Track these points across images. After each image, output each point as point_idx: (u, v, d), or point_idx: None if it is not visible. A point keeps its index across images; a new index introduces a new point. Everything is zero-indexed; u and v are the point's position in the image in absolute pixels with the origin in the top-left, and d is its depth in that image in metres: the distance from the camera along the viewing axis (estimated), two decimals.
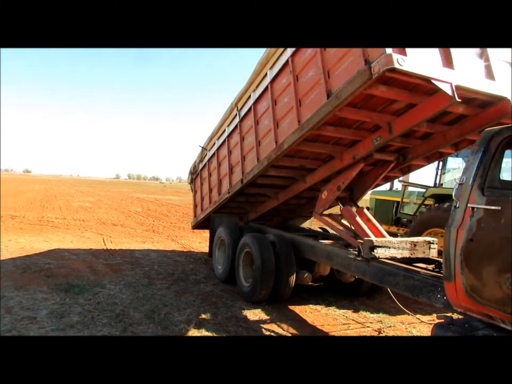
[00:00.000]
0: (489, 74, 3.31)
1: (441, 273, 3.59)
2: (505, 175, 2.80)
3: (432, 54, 3.11)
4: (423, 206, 7.93)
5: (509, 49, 3.54)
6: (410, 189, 8.73)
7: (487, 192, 2.50)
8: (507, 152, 2.67)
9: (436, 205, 6.98)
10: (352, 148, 4.52)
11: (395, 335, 4.46)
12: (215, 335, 4.08)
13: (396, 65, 2.79)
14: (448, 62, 3.12)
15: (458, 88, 2.99)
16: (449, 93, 2.94)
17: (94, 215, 15.77)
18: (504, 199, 2.38)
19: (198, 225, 8.60)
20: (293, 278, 5.18)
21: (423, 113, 3.50)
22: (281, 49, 4.51)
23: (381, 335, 4.34)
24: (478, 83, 3.18)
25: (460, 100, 2.96)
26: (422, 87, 3.17)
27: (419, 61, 2.94)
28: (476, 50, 3.36)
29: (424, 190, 8.03)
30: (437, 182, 7.84)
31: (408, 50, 2.91)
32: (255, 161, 5.22)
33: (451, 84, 2.96)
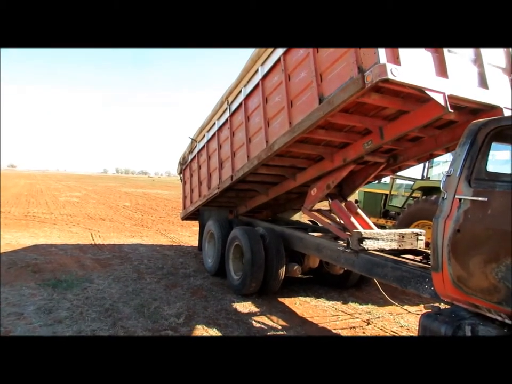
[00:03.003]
0: (483, 82, 3.31)
1: (428, 264, 3.64)
2: (492, 167, 2.81)
3: (426, 62, 3.10)
4: (411, 199, 8.02)
5: (502, 54, 3.56)
6: (398, 181, 8.83)
7: (474, 183, 2.53)
8: (494, 144, 2.71)
9: (424, 197, 7.07)
10: (343, 150, 4.50)
11: (384, 326, 4.52)
12: (205, 328, 4.08)
13: (390, 76, 2.77)
14: (442, 70, 3.12)
15: (451, 97, 2.98)
16: (442, 103, 2.94)
17: (82, 209, 15.58)
18: (491, 191, 2.41)
19: (187, 217, 8.57)
20: (282, 271, 5.20)
21: (415, 121, 3.49)
22: None
23: (380, 335, 4.38)
24: (471, 92, 3.18)
25: (452, 111, 2.96)
26: (415, 94, 3.16)
27: (412, 70, 2.92)
28: (470, 56, 3.35)
29: (412, 183, 8.13)
30: (425, 175, 7.93)
31: (401, 59, 2.89)
32: (245, 159, 5.19)
33: (444, 94, 2.96)
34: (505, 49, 3.57)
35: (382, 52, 2.87)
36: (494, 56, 3.51)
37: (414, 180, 8.04)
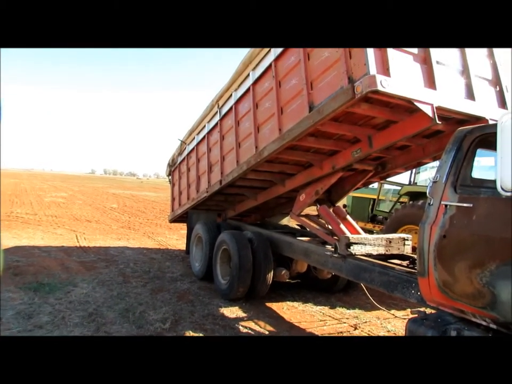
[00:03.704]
0: (470, 94, 3.36)
1: (415, 269, 3.66)
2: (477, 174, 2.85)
3: (415, 74, 3.13)
4: (399, 204, 8.09)
5: (489, 66, 3.60)
6: (386, 186, 8.90)
7: (459, 190, 2.56)
8: (479, 151, 2.74)
9: (411, 202, 7.14)
10: (332, 157, 4.50)
11: (371, 330, 4.53)
12: (192, 334, 4.03)
13: (379, 87, 2.79)
14: (430, 82, 3.16)
15: (439, 108, 3.02)
16: (430, 114, 2.97)
17: (67, 211, 15.33)
18: (476, 197, 2.43)
19: (175, 219, 8.50)
20: (270, 275, 5.18)
21: (404, 131, 3.52)
22: (264, 51, 4.43)
23: (380, 335, 4.39)
24: (459, 103, 3.22)
25: (440, 122, 3.00)
26: (404, 105, 3.19)
27: (402, 82, 2.95)
28: (458, 67, 3.41)
29: (399, 188, 8.20)
30: (412, 180, 8.01)
31: (391, 70, 2.91)
32: (235, 163, 5.17)
33: (432, 105, 2.99)
34: (491, 61, 3.63)
35: (372, 62, 2.90)
36: (480, 68, 3.57)
37: (402, 185, 8.12)
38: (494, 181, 2.30)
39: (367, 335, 4.40)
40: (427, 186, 7.86)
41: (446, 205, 2.58)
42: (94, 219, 13.36)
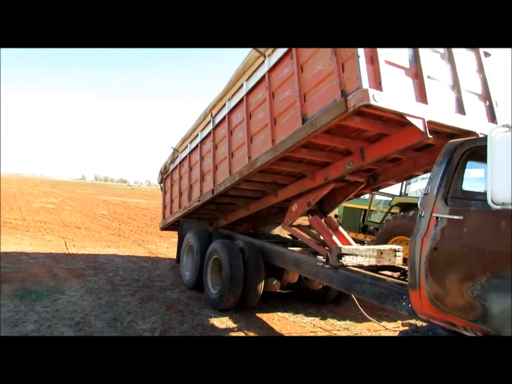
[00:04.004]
0: (460, 108, 3.41)
1: (406, 281, 3.66)
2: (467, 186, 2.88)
3: (406, 88, 3.17)
4: (390, 214, 8.14)
5: (478, 81, 3.66)
6: (377, 197, 8.96)
7: (450, 202, 2.58)
8: (469, 163, 2.78)
9: (402, 213, 7.18)
10: (325, 169, 4.50)
11: None
12: None
13: (372, 102, 2.82)
14: (421, 96, 3.20)
15: (430, 122, 3.05)
16: (422, 128, 2.99)
17: (57, 217, 15.13)
18: (466, 209, 2.45)
19: (166, 227, 8.43)
20: (261, 285, 5.14)
21: (396, 144, 3.54)
22: (258, 62, 4.46)
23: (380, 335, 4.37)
24: (449, 118, 3.26)
25: (431, 136, 3.02)
26: (395, 119, 3.22)
27: (394, 96, 2.98)
28: (449, 82, 3.46)
29: (390, 199, 8.26)
30: (403, 191, 8.08)
31: (383, 85, 2.95)
32: (227, 173, 5.16)
33: (423, 119, 3.02)
34: (481, 76, 3.70)
35: (364, 76, 2.92)
36: (471, 82, 3.62)
37: (393, 196, 8.18)
38: (484, 193, 2.32)
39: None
40: (418, 197, 7.94)
41: (437, 217, 2.60)
42: (84, 226, 13.20)
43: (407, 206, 7.53)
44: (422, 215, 2.71)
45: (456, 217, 2.46)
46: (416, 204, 7.54)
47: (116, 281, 6.22)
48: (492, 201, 2.12)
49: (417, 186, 7.94)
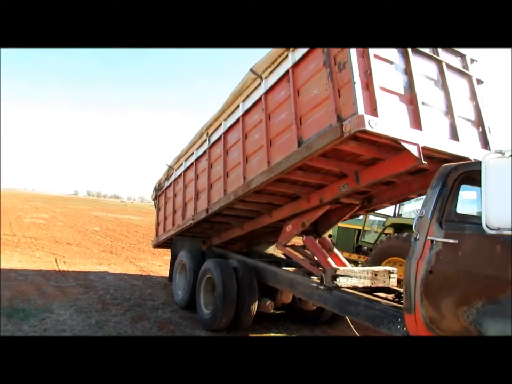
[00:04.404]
0: (454, 134, 3.48)
1: (401, 303, 3.64)
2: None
3: (401, 114, 3.23)
4: (384, 235, 8.16)
5: (471, 107, 3.72)
6: (371, 217, 8.98)
7: (445, 225, 2.60)
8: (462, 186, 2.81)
9: (395, 234, 7.20)
10: (320, 190, 4.51)
11: None
12: None
13: (367, 128, 2.85)
14: (416, 122, 3.25)
15: (424, 148, 3.09)
16: (416, 154, 3.03)
17: (48, 232, 14.92)
18: (461, 233, 2.47)
19: (159, 245, 8.35)
20: (254, 306, 5.07)
21: (391, 169, 3.57)
22: (255, 84, 4.51)
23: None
24: (443, 144, 3.31)
25: (426, 162, 3.06)
26: (390, 144, 3.26)
27: (389, 122, 3.03)
28: (442, 108, 3.53)
29: (384, 219, 8.29)
30: (396, 212, 8.13)
31: (379, 110, 2.99)
32: (222, 192, 5.15)
33: (418, 145, 3.06)
34: (474, 102, 3.77)
35: (360, 102, 2.97)
36: (464, 109, 3.69)
37: (386, 216, 8.22)
38: (478, 217, 2.34)
39: None
40: (411, 218, 7.96)
41: (432, 241, 2.61)
42: (75, 242, 13.02)
43: (401, 227, 7.56)
44: (417, 238, 2.73)
45: (451, 240, 2.48)
46: (410, 225, 7.56)
47: (106, 299, 6.10)
48: (487, 226, 2.14)
49: (411, 207, 7.99)
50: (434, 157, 3.39)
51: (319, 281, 4.18)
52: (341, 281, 3.98)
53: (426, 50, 3.65)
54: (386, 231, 8.17)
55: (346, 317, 4.35)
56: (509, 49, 3.57)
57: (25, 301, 5.48)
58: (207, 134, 5.81)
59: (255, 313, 5.09)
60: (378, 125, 2.91)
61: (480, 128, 3.76)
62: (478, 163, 2.45)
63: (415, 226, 2.78)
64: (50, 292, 6.21)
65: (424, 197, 3.02)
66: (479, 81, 3.97)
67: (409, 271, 2.69)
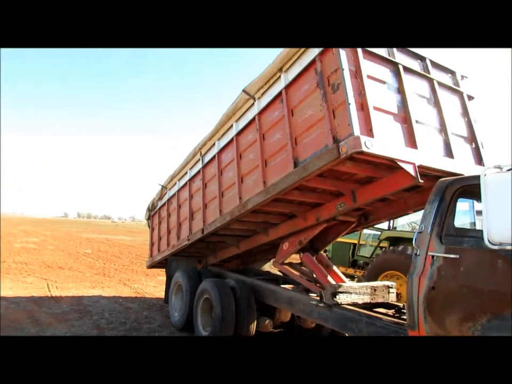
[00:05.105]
0: (448, 151, 3.51)
1: (401, 319, 3.62)
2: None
3: (396, 134, 3.26)
4: (379, 248, 8.16)
5: (463, 124, 3.76)
6: (365, 231, 8.98)
7: (445, 240, 2.60)
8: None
9: (391, 248, 7.21)
10: (316, 209, 4.49)
11: None
12: None
13: (364, 149, 2.86)
14: (411, 141, 3.28)
15: (420, 167, 3.11)
16: (413, 173, 3.04)
17: (39, 257, 14.64)
18: (462, 247, 2.47)
19: (153, 265, 8.23)
20: (253, 326, 5.00)
21: (387, 188, 3.57)
22: (248, 105, 4.52)
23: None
24: (438, 162, 3.34)
25: (422, 181, 3.07)
26: (385, 163, 3.28)
27: (384, 142, 3.05)
28: (436, 125, 3.57)
29: (379, 233, 8.30)
30: (391, 225, 8.15)
31: (374, 131, 3.02)
32: (218, 213, 5.11)
33: (414, 164, 3.08)
34: (466, 119, 3.83)
35: (355, 123, 2.98)
36: (457, 125, 3.74)
37: (381, 230, 8.23)
38: (476, 230, 2.35)
39: None
40: (406, 231, 7.93)
41: (432, 256, 2.61)
42: (67, 266, 12.78)
43: (396, 240, 7.57)
44: (418, 254, 2.72)
45: (452, 256, 2.48)
46: (405, 238, 7.56)
47: (101, 325, 5.96)
48: (489, 241, 2.14)
49: (405, 220, 8.02)
50: (430, 175, 3.39)
51: (318, 298, 4.13)
52: (341, 298, 3.95)
53: (418, 68, 3.72)
54: (381, 245, 8.17)
55: (346, 334, 4.30)
56: (509, 49, 3.63)
57: (17, 330, 5.33)
58: (201, 154, 5.80)
59: (254, 333, 5.01)
60: (374, 146, 2.92)
61: (473, 144, 3.80)
62: (474, 177, 2.49)
63: (415, 241, 2.78)
64: (44, 319, 6.05)
65: (421, 211, 3.03)
66: (470, 97, 4.03)
67: (411, 288, 2.68)
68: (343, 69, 3.12)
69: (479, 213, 8.74)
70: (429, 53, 3.84)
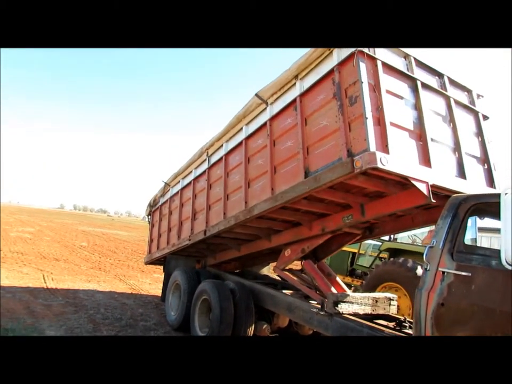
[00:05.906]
0: (461, 172, 3.47)
1: (403, 332, 3.61)
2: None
3: (411, 151, 3.21)
4: (378, 259, 8.14)
5: (477, 144, 3.73)
6: (366, 241, 8.97)
7: (456, 256, 2.59)
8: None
9: (392, 259, 7.18)
10: (322, 219, 4.41)
11: None
12: None
13: (379, 165, 2.81)
14: (425, 159, 3.23)
15: (433, 186, 3.07)
16: (426, 193, 3.00)
17: (34, 247, 14.56)
18: (474, 265, 2.46)
19: (151, 262, 8.19)
20: (251, 330, 4.97)
21: (397, 205, 3.50)
22: (260, 109, 4.48)
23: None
24: (451, 182, 3.29)
25: (435, 201, 3.01)
26: (397, 179, 3.22)
27: (399, 159, 3.00)
28: (450, 145, 3.52)
29: (380, 243, 8.28)
30: (392, 236, 8.14)
31: (390, 147, 2.96)
32: (221, 215, 5.06)
33: (427, 183, 3.03)
34: (480, 139, 3.78)
35: (372, 139, 2.93)
36: (470, 145, 3.69)
37: (382, 240, 8.21)
38: (486, 248, 2.34)
39: None
40: (407, 243, 7.91)
41: (443, 272, 2.59)
42: (63, 258, 12.72)
43: (396, 252, 7.56)
44: (428, 269, 2.71)
45: (463, 273, 2.46)
46: (405, 250, 7.53)
47: (97, 319, 5.92)
48: (506, 262, 2.13)
49: (406, 232, 8.01)
50: (441, 194, 3.34)
51: (319, 306, 4.11)
52: (343, 307, 3.93)
53: (435, 85, 3.68)
54: (381, 255, 8.15)
55: None
56: (509, 49, 3.63)
57: (14, 320, 5.28)
58: (207, 154, 5.77)
59: None
60: (389, 162, 2.87)
61: (486, 165, 3.75)
62: (489, 195, 2.49)
63: (425, 256, 2.77)
64: (39, 310, 6.01)
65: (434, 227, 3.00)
66: (485, 117, 3.98)
67: (419, 302, 2.66)
68: (362, 82, 3.07)
69: (481, 229, 8.77)
70: (445, 68, 3.82)
